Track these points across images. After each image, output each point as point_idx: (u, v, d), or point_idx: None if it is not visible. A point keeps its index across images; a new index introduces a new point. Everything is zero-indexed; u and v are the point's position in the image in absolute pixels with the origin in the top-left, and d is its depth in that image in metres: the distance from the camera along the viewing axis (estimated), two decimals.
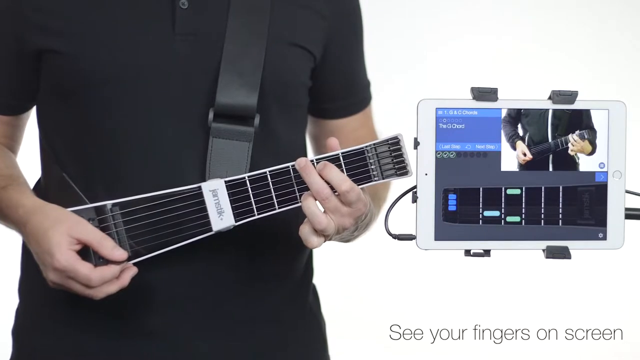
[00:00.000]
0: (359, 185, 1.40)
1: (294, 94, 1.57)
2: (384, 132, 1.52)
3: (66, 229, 1.40)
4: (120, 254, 1.41)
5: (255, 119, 1.49)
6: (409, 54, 3.23)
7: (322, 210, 1.39)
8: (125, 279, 1.42)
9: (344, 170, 1.39)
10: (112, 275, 1.40)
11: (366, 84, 1.70)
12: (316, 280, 1.68)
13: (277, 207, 1.41)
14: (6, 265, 1.57)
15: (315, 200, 1.39)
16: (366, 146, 1.40)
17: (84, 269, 1.39)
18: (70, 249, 1.40)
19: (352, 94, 1.67)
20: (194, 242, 1.43)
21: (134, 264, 1.43)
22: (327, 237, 1.41)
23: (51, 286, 1.43)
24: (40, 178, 1.59)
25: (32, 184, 1.59)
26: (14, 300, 1.62)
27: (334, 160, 1.40)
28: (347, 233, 1.46)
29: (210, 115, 1.48)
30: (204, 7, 1.50)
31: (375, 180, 1.41)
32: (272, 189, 1.41)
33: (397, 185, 1.65)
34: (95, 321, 1.52)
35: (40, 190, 1.57)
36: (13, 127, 1.61)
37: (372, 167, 1.41)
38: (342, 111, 1.66)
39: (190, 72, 1.49)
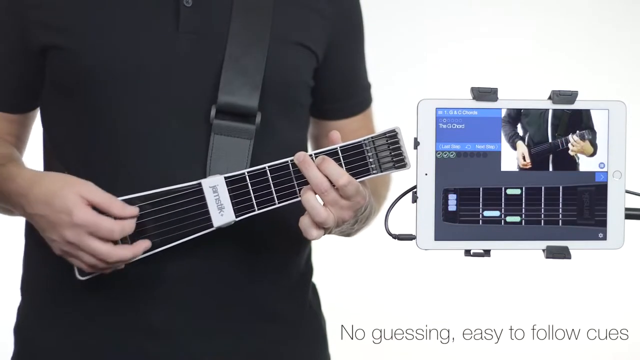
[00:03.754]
0: (357, 178, 1.40)
1: (296, 93, 1.57)
2: None
3: (77, 191, 1.41)
4: (132, 209, 1.41)
5: (256, 117, 1.49)
6: (409, 54, 3.23)
7: (322, 203, 1.40)
8: (139, 248, 1.42)
9: (343, 164, 1.40)
10: (130, 230, 1.41)
11: (367, 86, 1.70)
12: (316, 280, 1.68)
13: (277, 201, 1.42)
14: (7, 264, 1.57)
15: (315, 193, 1.40)
16: (364, 140, 1.41)
17: (107, 221, 1.40)
18: (87, 206, 1.40)
19: (353, 95, 1.67)
20: (195, 239, 1.43)
21: (136, 261, 1.44)
22: (326, 230, 1.42)
23: (57, 252, 1.43)
24: None
25: None
26: (15, 299, 1.62)
27: (333, 154, 1.40)
28: (347, 226, 1.47)
29: (212, 113, 1.48)
30: (208, 6, 1.51)
31: (374, 174, 1.42)
32: (271, 184, 1.42)
33: (397, 185, 1.65)
34: (97, 318, 1.52)
35: None
36: (20, 125, 1.62)
37: (370, 160, 1.41)
38: (342, 112, 1.67)
39: (193, 70, 1.50)
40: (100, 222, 1.40)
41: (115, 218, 1.41)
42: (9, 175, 1.48)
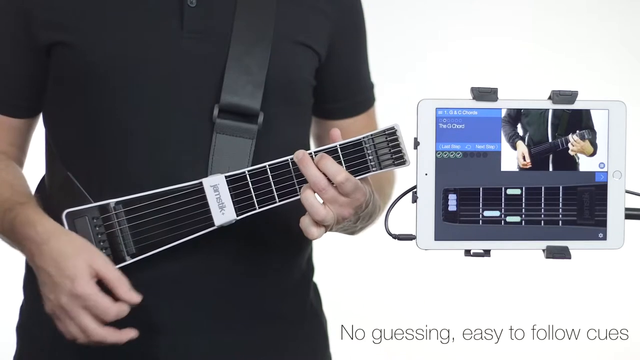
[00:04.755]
0: (356, 175, 1.41)
1: (299, 92, 1.58)
2: None
3: (88, 259, 1.41)
4: (135, 297, 1.42)
5: (259, 117, 1.50)
6: (409, 54, 3.23)
7: (321, 201, 1.40)
8: (125, 336, 1.43)
9: (342, 161, 1.41)
10: (125, 313, 1.42)
11: (370, 85, 1.71)
12: (316, 279, 1.69)
13: (277, 200, 1.43)
14: (9, 263, 1.57)
15: (314, 192, 1.40)
16: (363, 137, 1.42)
17: (106, 301, 1.41)
18: (92, 279, 1.41)
19: (356, 95, 1.68)
20: (196, 238, 1.44)
21: (138, 261, 1.44)
22: (327, 228, 1.42)
23: (48, 310, 1.44)
24: (44, 176, 1.60)
25: (33, 184, 1.59)
26: (17, 299, 1.63)
27: (332, 152, 1.41)
28: (349, 223, 1.47)
29: (215, 112, 1.49)
30: (212, 6, 1.51)
31: (374, 171, 1.42)
32: (272, 183, 1.42)
33: (397, 185, 1.65)
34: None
35: (44, 189, 1.57)
36: (22, 133, 1.61)
37: (370, 157, 1.42)
38: (345, 112, 1.67)
39: (196, 69, 1.50)
40: (99, 299, 1.40)
41: (117, 298, 1.41)
42: (27, 221, 1.46)
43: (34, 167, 1.65)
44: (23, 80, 1.57)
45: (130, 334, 1.44)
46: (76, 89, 1.51)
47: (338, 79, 1.64)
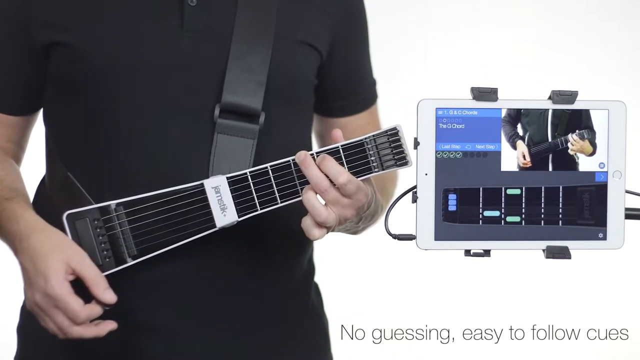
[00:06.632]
0: (358, 176, 1.41)
1: (300, 92, 1.58)
2: None
3: (65, 257, 1.42)
4: (111, 297, 1.43)
5: (260, 116, 1.50)
6: (409, 54, 3.23)
7: (323, 202, 1.40)
8: (103, 330, 1.44)
9: (344, 162, 1.41)
10: (97, 315, 1.43)
11: (372, 83, 1.71)
12: (316, 280, 1.68)
13: (279, 201, 1.43)
14: (9, 264, 1.57)
15: (316, 193, 1.40)
16: (365, 138, 1.42)
17: (76, 304, 1.41)
18: (65, 279, 1.41)
19: (358, 92, 1.68)
20: (197, 239, 1.44)
21: (139, 262, 1.44)
22: (328, 229, 1.42)
23: (27, 308, 1.45)
24: (44, 177, 1.60)
25: (33, 183, 1.59)
26: (18, 299, 1.63)
27: (334, 153, 1.41)
28: (351, 224, 1.47)
29: (216, 112, 1.49)
30: (212, 5, 1.51)
31: (376, 172, 1.42)
32: (273, 184, 1.42)
33: (397, 185, 1.65)
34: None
35: (44, 189, 1.57)
36: (20, 129, 1.61)
37: (372, 158, 1.42)
38: (347, 109, 1.67)
39: (197, 69, 1.50)
40: (69, 302, 1.41)
41: (92, 297, 1.42)
42: (13, 215, 1.48)
43: (34, 167, 1.65)
44: (20, 79, 1.57)
45: (109, 326, 1.44)
46: (76, 89, 1.51)
47: (340, 77, 1.64)
